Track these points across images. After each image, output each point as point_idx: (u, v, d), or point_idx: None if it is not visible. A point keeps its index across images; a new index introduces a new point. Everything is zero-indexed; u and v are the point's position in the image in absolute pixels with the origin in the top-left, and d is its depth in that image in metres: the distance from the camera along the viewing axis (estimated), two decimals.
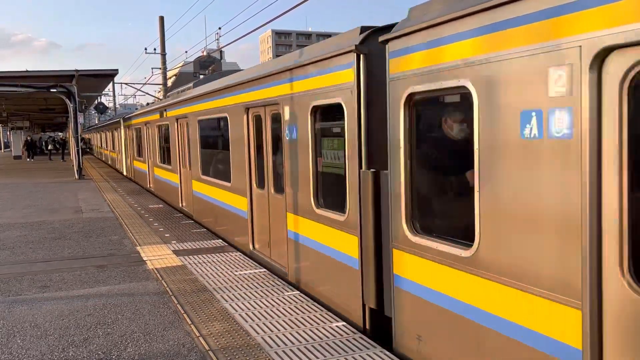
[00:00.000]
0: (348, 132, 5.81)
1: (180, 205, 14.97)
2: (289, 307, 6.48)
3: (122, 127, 27.75)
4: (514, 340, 3.76)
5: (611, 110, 3.02)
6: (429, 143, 4.96)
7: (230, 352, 5.26)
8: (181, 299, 6.96)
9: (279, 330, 5.75)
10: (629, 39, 2.84)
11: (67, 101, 26.17)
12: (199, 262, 8.85)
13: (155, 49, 34.98)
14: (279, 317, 6.17)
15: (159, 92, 43.12)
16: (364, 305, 5.78)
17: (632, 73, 2.92)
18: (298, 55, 7.27)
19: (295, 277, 7.48)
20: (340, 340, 5.41)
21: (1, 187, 23.23)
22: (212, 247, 9.99)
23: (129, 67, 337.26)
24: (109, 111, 53.30)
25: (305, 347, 5.29)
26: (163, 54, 33.72)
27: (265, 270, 8.21)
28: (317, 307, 6.42)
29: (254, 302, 6.74)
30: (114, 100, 54.31)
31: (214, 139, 11.60)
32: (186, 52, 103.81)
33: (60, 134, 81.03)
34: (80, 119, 27.46)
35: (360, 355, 5.04)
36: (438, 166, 4.98)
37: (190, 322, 6.12)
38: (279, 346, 5.34)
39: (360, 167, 5.66)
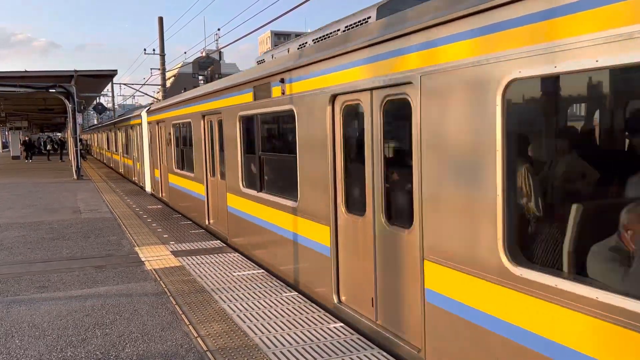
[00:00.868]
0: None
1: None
2: (287, 308, 6.49)
3: (143, 123, 20.11)
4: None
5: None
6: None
7: (228, 352, 5.27)
8: (179, 300, 6.97)
9: (277, 331, 5.76)
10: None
11: (66, 101, 26.17)
12: (198, 263, 8.86)
13: (154, 50, 35.02)
14: (277, 317, 6.19)
15: (158, 92, 43.11)
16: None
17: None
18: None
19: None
20: (338, 341, 5.43)
21: (0, 187, 23.21)
22: (211, 248, 10.00)
23: (128, 67, 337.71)
24: (108, 111, 53.21)
25: (303, 347, 5.31)
26: (162, 55, 33.74)
27: (263, 271, 8.22)
28: (315, 308, 6.44)
29: (252, 302, 6.75)
30: (113, 100, 54.28)
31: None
32: (185, 52, 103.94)
33: (58, 134, 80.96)
34: (79, 120, 27.40)
35: (357, 356, 5.06)
36: None
37: (188, 323, 6.13)
38: (276, 347, 5.35)
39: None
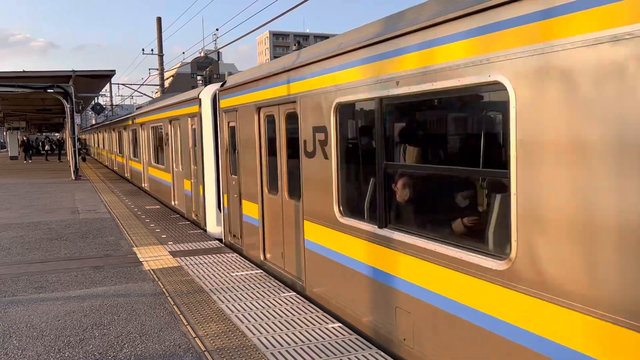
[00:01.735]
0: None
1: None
2: (285, 309, 6.49)
3: (204, 112, 11.18)
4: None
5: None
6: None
7: (226, 353, 5.27)
8: (177, 300, 6.97)
9: (274, 332, 5.77)
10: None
11: (64, 102, 26.15)
12: (196, 263, 8.86)
13: (152, 50, 35.01)
14: (275, 318, 6.19)
15: (156, 92, 43.09)
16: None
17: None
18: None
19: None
20: (336, 342, 5.43)
21: None
22: (209, 248, 10.00)
23: (126, 67, 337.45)
24: (107, 112, 53.16)
25: (301, 348, 5.31)
26: (160, 55, 33.75)
27: (261, 271, 8.23)
28: (313, 309, 6.44)
29: (250, 303, 6.75)
30: (111, 100, 54.26)
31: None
32: (184, 53, 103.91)
33: (57, 134, 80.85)
34: (77, 120, 27.37)
35: (355, 357, 5.06)
36: None
37: (186, 323, 6.13)
38: (274, 347, 5.36)
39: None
